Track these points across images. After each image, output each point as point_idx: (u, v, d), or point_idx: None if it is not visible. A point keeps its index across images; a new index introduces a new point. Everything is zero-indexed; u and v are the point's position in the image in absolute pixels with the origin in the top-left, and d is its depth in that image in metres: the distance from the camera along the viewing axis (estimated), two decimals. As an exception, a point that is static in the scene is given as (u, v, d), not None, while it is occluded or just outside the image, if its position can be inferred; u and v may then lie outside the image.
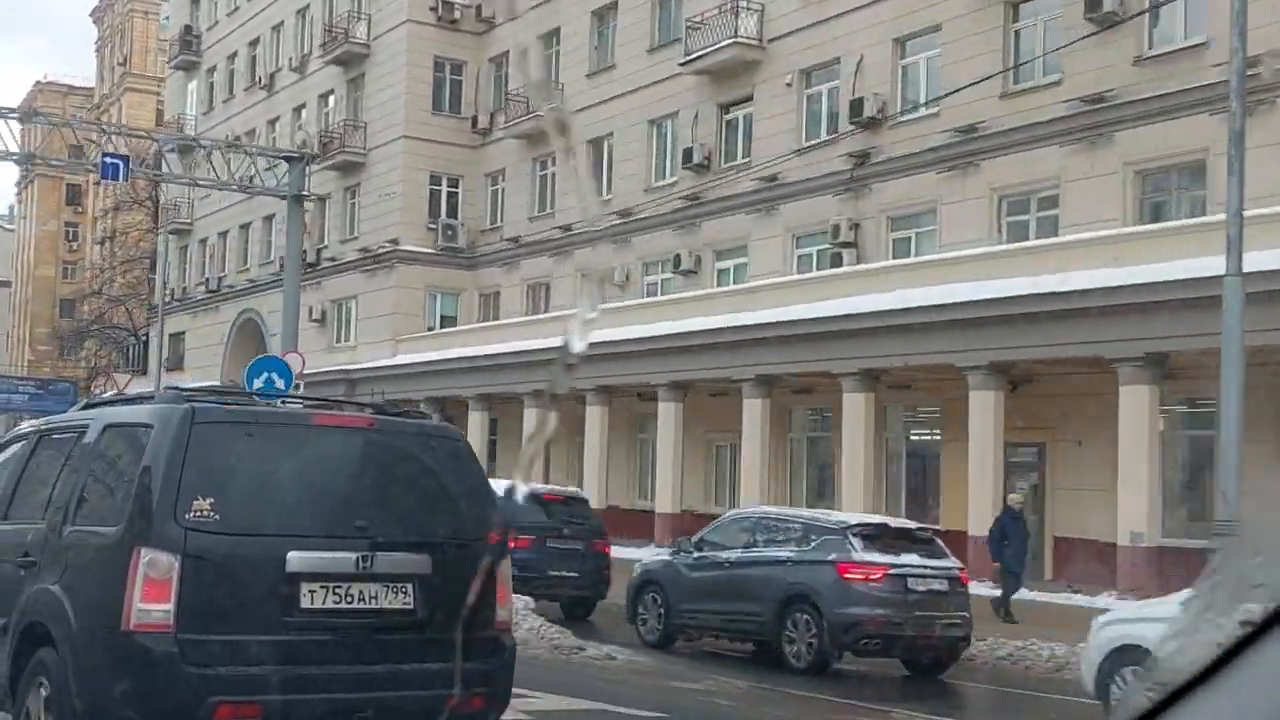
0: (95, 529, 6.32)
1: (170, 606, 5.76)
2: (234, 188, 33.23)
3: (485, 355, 34.88)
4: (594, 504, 29.08)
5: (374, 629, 6.20)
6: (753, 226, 30.91)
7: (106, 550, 6.07)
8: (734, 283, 31.21)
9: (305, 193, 32.28)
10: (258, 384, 18.85)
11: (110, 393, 54.50)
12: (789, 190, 29.74)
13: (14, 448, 8.01)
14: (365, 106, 43.01)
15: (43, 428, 8.03)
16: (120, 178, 30.34)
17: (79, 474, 6.72)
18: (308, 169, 32.66)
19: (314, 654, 6.02)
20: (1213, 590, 1.26)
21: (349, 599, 6.13)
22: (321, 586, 6.07)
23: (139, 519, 5.96)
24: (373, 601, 6.19)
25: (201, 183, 33.87)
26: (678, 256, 32.49)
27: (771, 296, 26.95)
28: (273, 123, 47.94)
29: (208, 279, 52.78)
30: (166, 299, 56.69)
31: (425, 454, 6.84)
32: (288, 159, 32.92)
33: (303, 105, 46.92)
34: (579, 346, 2.47)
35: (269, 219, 48.77)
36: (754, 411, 26.58)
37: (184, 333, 55.39)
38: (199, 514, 5.85)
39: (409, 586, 6.28)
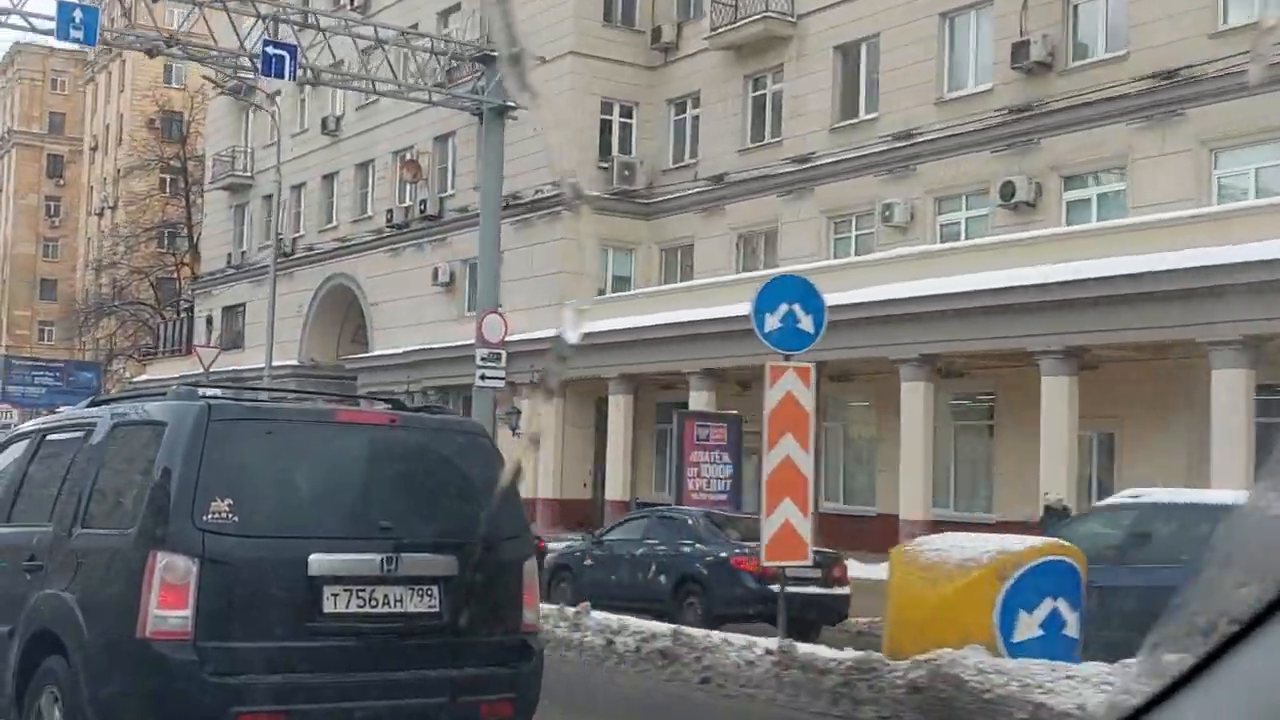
0: (107, 532, 6.00)
1: (188, 613, 5.48)
2: (419, 96, 24.99)
3: (698, 321, 26.73)
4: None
5: (399, 634, 5.93)
6: (1134, 139, 23.09)
7: (120, 554, 5.78)
8: (1099, 216, 23.45)
9: (508, 102, 24.04)
10: (772, 322, 10.82)
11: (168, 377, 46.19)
12: (1200, 89, 21.95)
13: (15, 447, 7.63)
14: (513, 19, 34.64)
15: (46, 426, 7.79)
16: (285, 74, 22.06)
17: (87, 474, 6.35)
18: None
19: (337, 660, 5.77)
20: (1201, 588, 1.23)
21: (373, 603, 5.87)
22: (345, 590, 5.80)
23: (154, 521, 5.63)
24: (398, 605, 5.93)
25: (380, 90, 25.58)
26: (1009, 185, 24.59)
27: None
28: (368, 51, 39.48)
29: (280, 240, 44.20)
30: (222, 268, 48.19)
31: (450, 451, 6.59)
32: (483, 59, 24.79)
33: (415, 25, 38.45)
34: (573, 338, 2.40)
35: (363, 166, 40.54)
36: (1231, 385, 18.74)
37: (243, 305, 46.94)
38: (217, 516, 5.56)
39: (434, 589, 6.02)
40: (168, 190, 65.65)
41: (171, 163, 61.19)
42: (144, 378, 51.79)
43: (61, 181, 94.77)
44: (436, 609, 6.01)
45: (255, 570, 5.65)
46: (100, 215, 79.52)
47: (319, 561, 5.72)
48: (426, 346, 35.21)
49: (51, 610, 6.03)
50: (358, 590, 5.83)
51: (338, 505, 6.06)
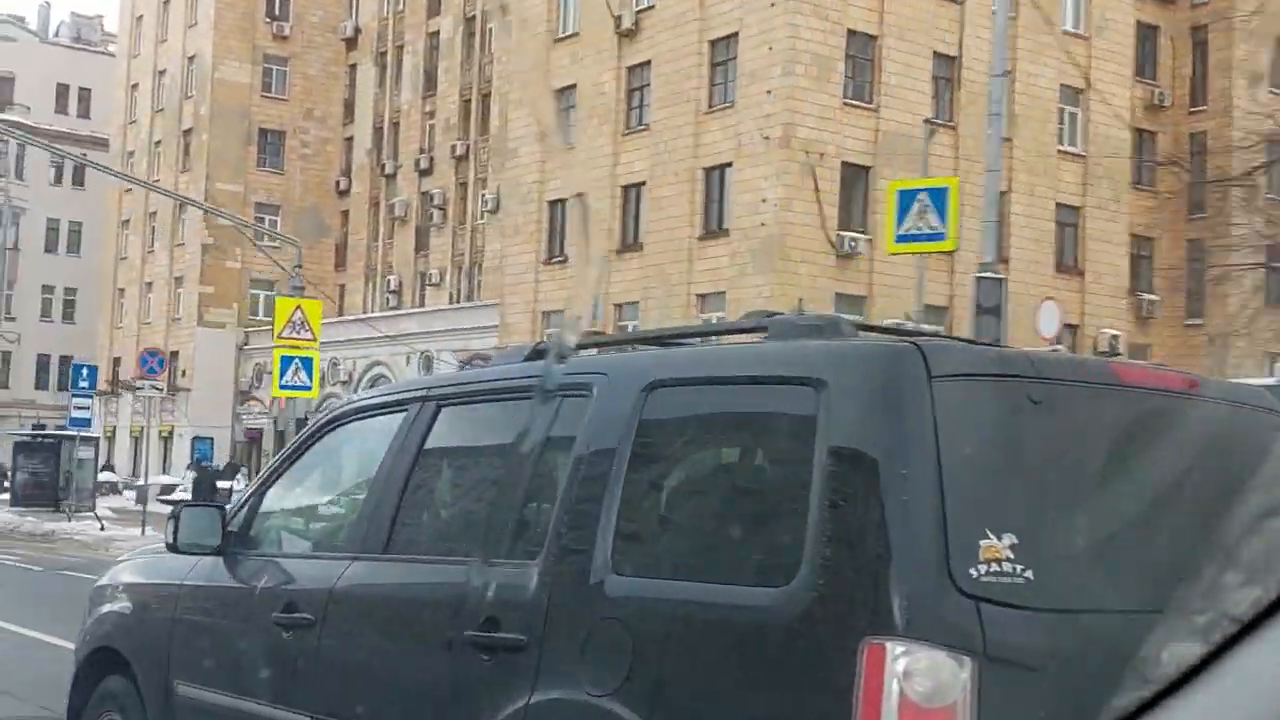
0: (703, 586, 3.26)
1: None
2: None
3: None
4: None
5: None
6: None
7: (761, 633, 3.08)
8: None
9: None
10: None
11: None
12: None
13: (359, 427, 4.90)
14: None
15: (435, 388, 4.67)
16: None
17: (601, 476, 3.56)
18: None
19: None
20: (1204, 588, 1.24)
21: None
22: None
23: (859, 575, 2.95)
24: None
25: None
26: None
27: None
28: None
29: None
30: None
31: (1263, 442, 3.56)
32: None
33: None
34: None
35: None
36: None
37: None
38: (996, 567, 2.86)
39: None
40: None
41: None
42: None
43: (292, -40, 54.52)
44: None
45: (1076, 679, 2.79)
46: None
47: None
48: None
49: None
50: None
51: (1155, 542, 3.20)
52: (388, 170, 52.39)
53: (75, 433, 30.85)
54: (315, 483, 5.18)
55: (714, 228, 32.35)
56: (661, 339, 4.53)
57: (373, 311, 52.11)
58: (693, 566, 3.38)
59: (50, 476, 39.48)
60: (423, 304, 49.14)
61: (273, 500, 5.08)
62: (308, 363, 23.30)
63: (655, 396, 3.56)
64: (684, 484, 3.68)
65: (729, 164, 31.71)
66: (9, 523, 32.71)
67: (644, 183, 34.15)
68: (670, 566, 3.46)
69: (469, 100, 48.95)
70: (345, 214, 55.21)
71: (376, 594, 4.29)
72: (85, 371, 30.14)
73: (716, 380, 3.60)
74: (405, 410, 4.53)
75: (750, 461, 3.61)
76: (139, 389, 26.48)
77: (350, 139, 55.50)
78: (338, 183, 55.36)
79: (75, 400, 29.61)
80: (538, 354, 4.30)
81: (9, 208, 68.68)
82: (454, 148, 48.64)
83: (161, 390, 27.01)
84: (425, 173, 50.50)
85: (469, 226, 48.68)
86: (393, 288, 51.43)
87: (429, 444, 4.38)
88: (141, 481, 44.99)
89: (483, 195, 47.42)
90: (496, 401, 4.38)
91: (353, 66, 55.81)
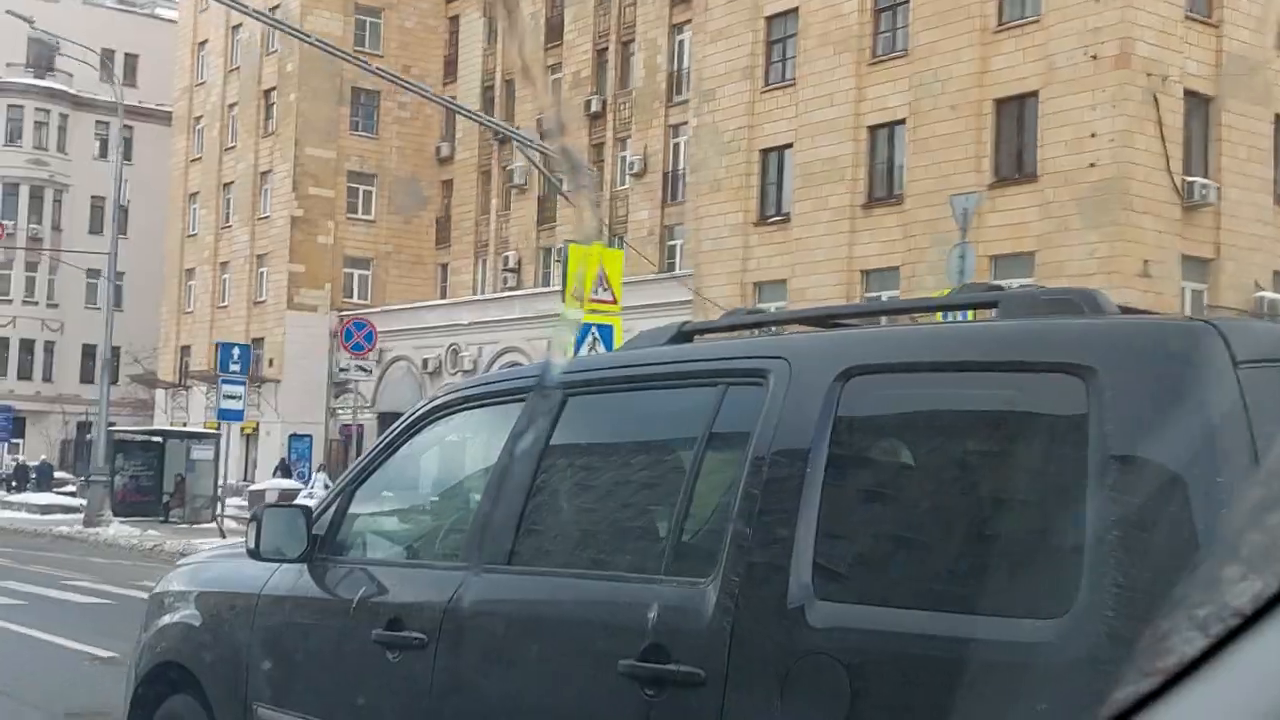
0: (949, 619, 2.72)
1: None
2: None
3: None
4: None
5: None
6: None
7: (1042, 675, 2.53)
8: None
9: None
10: None
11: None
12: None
13: (482, 413, 4.36)
14: None
15: (571, 372, 4.04)
16: None
17: (792, 481, 3.08)
18: None
19: None
20: (1200, 578, 1.22)
21: None
22: None
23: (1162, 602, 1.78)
24: None
25: None
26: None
27: None
28: None
29: None
30: None
31: None
32: None
33: None
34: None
35: None
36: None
37: None
38: None
39: None
40: None
41: None
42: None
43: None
44: None
45: None
46: None
47: None
48: None
49: None
50: None
51: None
52: (500, 134, 46.42)
53: (227, 427, 24.76)
54: (415, 481, 4.71)
55: (1011, 173, 26.16)
56: (834, 318, 3.81)
57: (484, 293, 46.12)
58: (924, 592, 2.81)
59: (153, 480, 33.46)
60: (547, 283, 43.07)
61: (365, 500, 4.54)
62: (607, 332, 17.22)
63: (853, 386, 3.04)
64: (905, 494, 3.04)
65: (1033, 92, 25.54)
66: (128, 538, 26.47)
67: (902, 121, 27.93)
68: (892, 592, 2.88)
69: (604, 50, 42.97)
70: (447, 184, 49.19)
71: (505, 613, 3.74)
72: (236, 352, 23.97)
73: (937, 366, 3.02)
74: (524, 399, 4.00)
75: (994, 467, 2.91)
76: (343, 370, 20.42)
77: (453, 99, 49.48)
78: (438, 149, 49.31)
79: (225, 388, 23.50)
80: (684, 335, 3.87)
81: (51, 184, 62.54)
82: (588, 104, 42.63)
83: (370, 372, 21.03)
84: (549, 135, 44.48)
85: (606, 193, 42.69)
86: (510, 265, 45.39)
87: (556, 439, 3.80)
88: (257, 485, 38.91)
89: (623, 157, 41.51)
90: (638, 390, 3.76)
91: (454, 18, 49.83)
